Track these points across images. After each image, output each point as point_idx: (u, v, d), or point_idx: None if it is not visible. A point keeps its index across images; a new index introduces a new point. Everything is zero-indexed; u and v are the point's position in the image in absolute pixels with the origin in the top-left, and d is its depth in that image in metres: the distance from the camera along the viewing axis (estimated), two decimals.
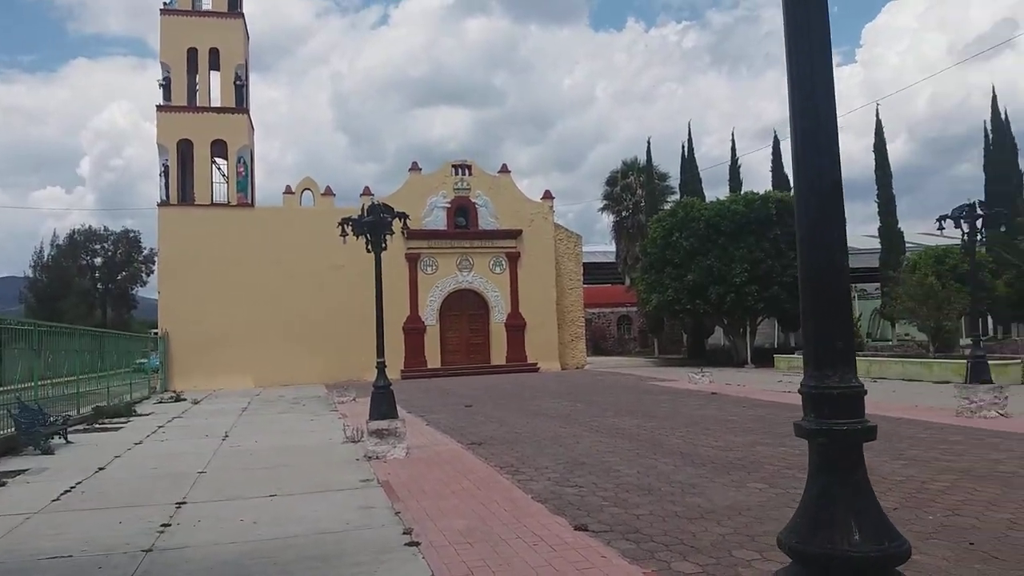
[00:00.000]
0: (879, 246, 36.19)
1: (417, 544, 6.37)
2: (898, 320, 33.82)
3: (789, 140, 3.01)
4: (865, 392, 2.83)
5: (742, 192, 34.41)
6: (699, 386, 22.61)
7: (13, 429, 13.06)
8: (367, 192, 32.56)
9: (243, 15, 33.43)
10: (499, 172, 35.08)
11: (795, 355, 29.74)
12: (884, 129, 35.07)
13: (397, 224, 14.10)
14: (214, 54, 32.48)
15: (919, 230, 50.17)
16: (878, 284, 37.52)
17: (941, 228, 15.00)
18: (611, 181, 45.15)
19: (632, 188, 43.72)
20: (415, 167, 34.28)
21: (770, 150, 38.91)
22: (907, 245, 36.80)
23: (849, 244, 2.98)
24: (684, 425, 13.75)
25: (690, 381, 23.73)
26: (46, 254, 58.31)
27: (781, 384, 22.39)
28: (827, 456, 2.76)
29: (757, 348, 34.88)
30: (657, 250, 33.21)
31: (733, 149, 40.64)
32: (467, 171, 34.37)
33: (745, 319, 33.14)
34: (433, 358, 32.98)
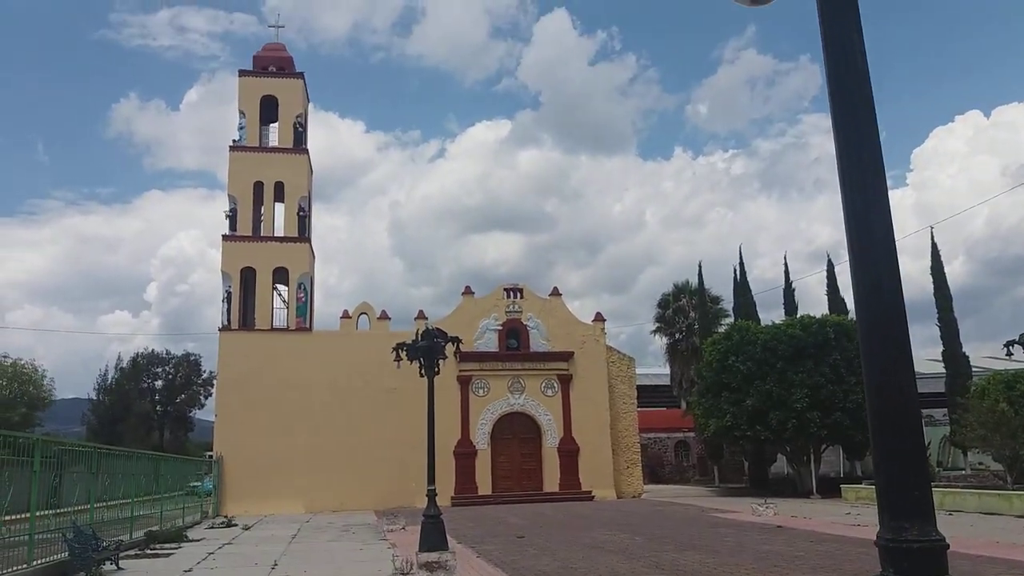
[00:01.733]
0: (943, 370, 35.03)
1: None
2: (970, 449, 32.24)
3: (848, 264, 3.00)
4: (947, 546, 2.66)
5: (798, 316, 34.01)
6: (763, 518, 21.73)
7: (67, 554, 13.06)
8: (421, 316, 32.92)
9: (307, 151, 35.30)
10: (550, 295, 35.38)
11: (863, 485, 28.41)
12: (940, 251, 34.65)
13: (450, 348, 14.26)
14: (279, 187, 34.12)
15: (985, 353, 48.53)
16: (945, 410, 36.07)
17: (1009, 353, 14.53)
18: (663, 303, 45.08)
19: (684, 311, 43.52)
20: (468, 291, 34.78)
21: (824, 273, 38.71)
22: (974, 369, 35.50)
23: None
24: (750, 562, 13.07)
25: (754, 513, 22.84)
26: (110, 377, 59.98)
27: (849, 516, 21.35)
28: None
29: (822, 477, 33.45)
30: (713, 373, 32.65)
31: (786, 272, 40.45)
32: (518, 294, 34.73)
33: (808, 446, 32.00)
34: (484, 483, 32.39)
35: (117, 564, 13.98)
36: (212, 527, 23.30)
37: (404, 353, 13.46)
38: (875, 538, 2.79)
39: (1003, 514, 21.10)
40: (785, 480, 36.98)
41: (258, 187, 33.94)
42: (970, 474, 33.43)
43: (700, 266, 42.82)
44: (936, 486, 25.81)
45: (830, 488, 31.19)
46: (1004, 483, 26.82)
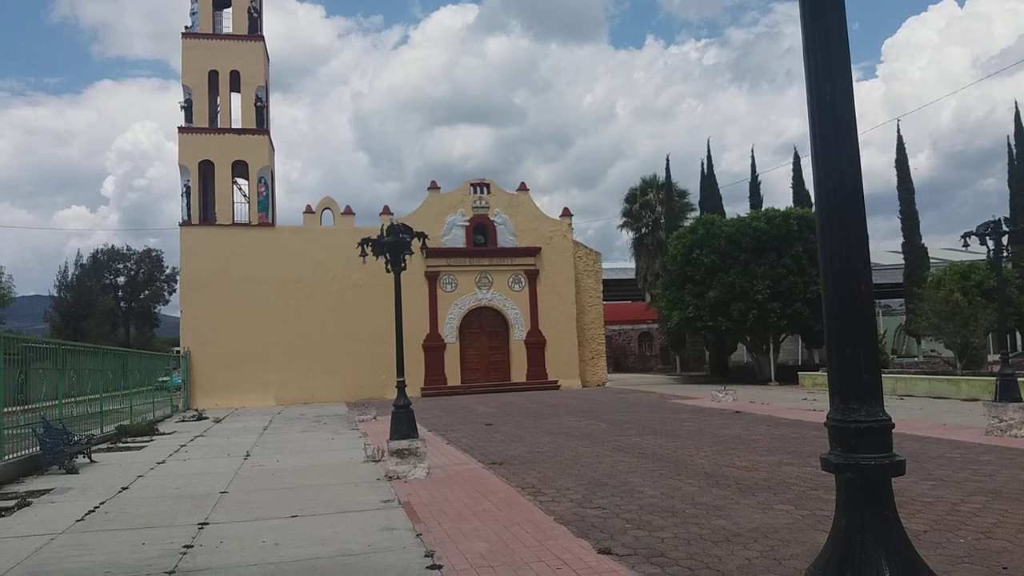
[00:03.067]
0: (903, 261, 35.88)
1: (439, 567, 6.35)
2: (924, 337, 33.42)
3: (810, 156, 3.01)
4: (893, 426, 2.80)
5: (763, 209, 34.31)
6: (723, 404, 22.39)
7: (38, 448, 13.22)
8: (386, 211, 32.77)
9: (263, 38, 33.86)
10: (518, 190, 35.23)
11: (820, 372, 29.46)
12: (906, 144, 34.98)
13: (416, 244, 14.17)
14: (235, 76, 32.91)
15: (943, 245, 49.67)
16: (903, 300, 37.16)
17: (966, 245, 14.86)
18: (630, 198, 45.14)
19: (651, 205, 43.72)
20: (434, 186, 34.51)
21: (791, 166, 38.83)
22: (931, 261, 36.44)
23: (872, 260, 2.96)
24: (708, 444, 13.64)
25: (713, 399, 23.50)
26: (70, 273, 59.10)
27: (806, 402, 22.18)
28: (855, 491, 2.74)
29: (781, 365, 34.58)
30: (678, 267, 33.15)
31: (753, 166, 40.67)
32: (486, 189, 34.57)
33: (768, 336, 32.91)
34: (453, 376, 33.05)
35: (90, 457, 14.19)
36: (183, 421, 23.61)
37: (369, 248, 13.35)
38: (826, 419, 2.93)
39: (951, 398, 22.10)
40: (745, 368, 38.24)
41: (213, 76, 32.72)
42: (922, 361, 34.79)
43: (668, 160, 42.67)
44: (889, 372, 26.86)
45: (788, 376, 32.29)
46: (954, 369, 28.01)
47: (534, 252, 34.43)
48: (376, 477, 11.27)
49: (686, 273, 32.75)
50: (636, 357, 53.38)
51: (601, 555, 6.58)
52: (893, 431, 2.77)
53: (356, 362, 31.56)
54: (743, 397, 24.63)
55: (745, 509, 8.21)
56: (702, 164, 40.87)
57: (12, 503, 10.01)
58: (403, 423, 11.66)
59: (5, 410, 12.62)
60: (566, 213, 35.71)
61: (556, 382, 33.71)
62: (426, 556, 6.71)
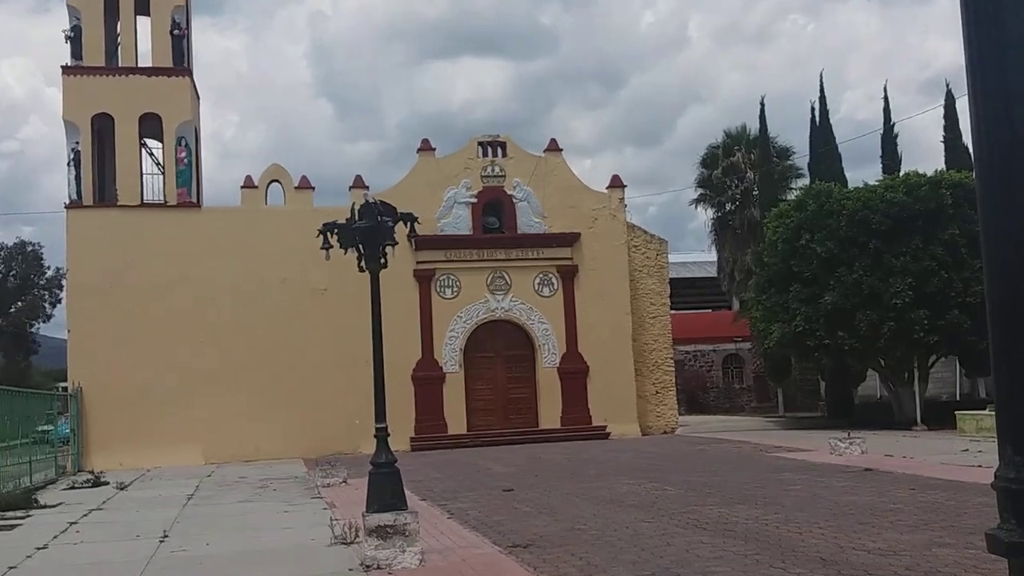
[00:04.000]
0: None
1: None
2: None
3: (968, 96, 2.99)
4: None
5: (902, 174, 34.00)
6: (846, 459, 22.30)
7: None
8: (359, 184, 32.79)
9: None
10: (546, 151, 35.19)
11: (987, 411, 29.13)
12: None
13: (402, 230, 14.18)
14: None
15: None
16: None
17: None
18: (709, 161, 44.87)
19: (740, 170, 43.69)
20: (427, 147, 34.58)
21: (941, 111, 38.50)
22: None
23: None
24: (826, 518, 13.57)
25: (832, 451, 23.41)
26: None
27: (967, 454, 21.95)
28: None
29: (930, 401, 34.21)
30: (779, 259, 32.93)
31: (887, 111, 40.17)
32: (501, 151, 34.58)
33: (911, 359, 32.60)
34: (456, 419, 33.08)
35: None
36: (73, 487, 23.69)
37: (335, 238, 13.43)
38: (993, 478, 2.90)
39: None
40: (877, 406, 37.90)
41: None
42: None
43: (763, 105, 42.19)
44: None
45: (941, 416, 31.87)
46: None
47: (571, 240, 34.38)
48: (348, 567, 11.27)
49: (791, 268, 32.46)
50: (720, 391, 53.11)
51: None
52: None
53: (319, 401, 31.49)
54: (875, 448, 24.39)
55: None
56: (812, 110, 40.48)
57: None
58: (386, 489, 11.68)
59: None
60: (616, 183, 35.64)
61: (604, 428, 33.58)
62: None
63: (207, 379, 31.18)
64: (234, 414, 31.15)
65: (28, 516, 17.99)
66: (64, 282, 37.80)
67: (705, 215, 46.75)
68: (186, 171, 32.50)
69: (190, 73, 33.45)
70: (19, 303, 63.49)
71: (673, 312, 38.24)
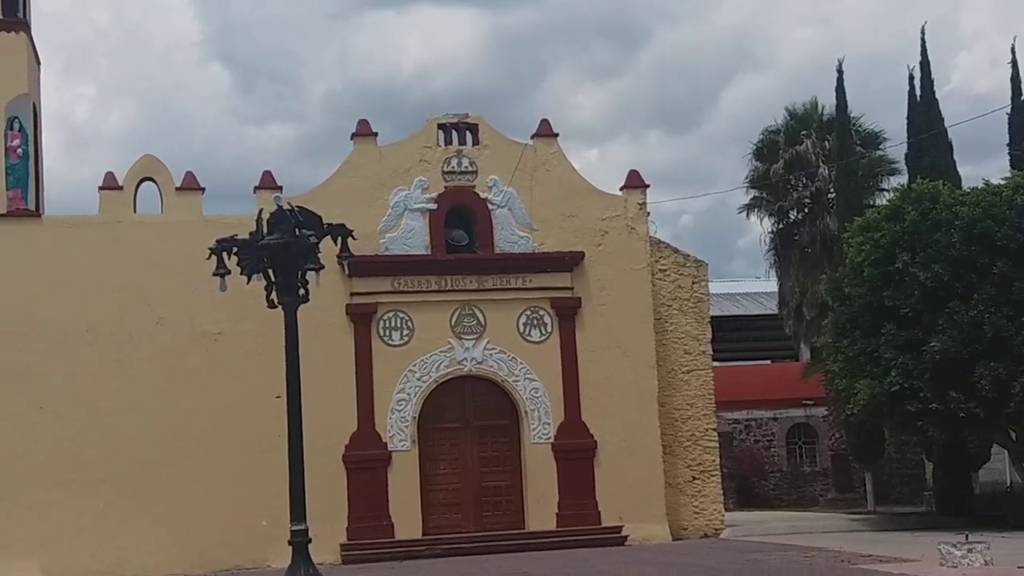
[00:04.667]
0: None
1: None
2: None
3: None
4: None
5: None
6: (962, 571, 21.96)
7: None
8: (268, 183, 32.57)
9: None
10: (536, 136, 34.95)
11: None
12: None
13: (330, 248, 13.81)
14: None
15: None
16: None
17: None
18: (766, 151, 45.07)
19: (808, 164, 43.95)
20: (365, 130, 34.20)
21: None
22: None
23: None
24: None
25: (945, 562, 22.92)
26: None
27: None
28: None
29: None
30: (865, 290, 32.62)
31: (1016, 81, 40.27)
32: (471, 136, 34.32)
33: None
34: (407, 519, 32.27)
35: None
36: None
37: (234, 260, 13.09)
38: None
39: None
40: (1009, 497, 37.68)
41: None
42: None
43: (841, 71, 42.22)
44: None
45: None
46: None
47: (571, 263, 33.91)
48: None
49: (883, 302, 32.16)
50: (783, 477, 52.90)
51: None
52: None
53: (211, 494, 30.85)
54: (1005, 556, 23.92)
55: None
56: (911, 80, 40.42)
57: None
58: None
59: None
60: (635, 182, 35.35)
61: (619, 530, 32.97)
62: None
63: (46, 465, 30.40)
64: (88, 514, 30.26)
65: None
66: None
67: (761, 227, 46.98)
68: (20, 165, 31.91)
69: (27, 28, 32.91)
70: None
71: (716, 364, 37.85)
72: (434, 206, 33.78)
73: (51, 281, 31.33)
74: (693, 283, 36.07)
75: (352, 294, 32.57)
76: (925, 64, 39.92)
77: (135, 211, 32.62)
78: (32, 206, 32.16)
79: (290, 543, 12.18)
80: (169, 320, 31.48)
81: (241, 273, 12.91)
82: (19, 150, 31.97)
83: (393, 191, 33.61)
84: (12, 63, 32.28)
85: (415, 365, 33.17)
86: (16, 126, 32.04)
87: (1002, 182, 33.03)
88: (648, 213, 35.31)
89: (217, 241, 13.27)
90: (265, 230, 12.63)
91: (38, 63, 33.78)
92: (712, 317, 37.20)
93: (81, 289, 31.41)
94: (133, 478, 30.87)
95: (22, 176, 31.99)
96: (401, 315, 33.25)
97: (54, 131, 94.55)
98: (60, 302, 31.22)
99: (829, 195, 43.00)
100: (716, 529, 35.07)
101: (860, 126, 43.37)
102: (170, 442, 31.16)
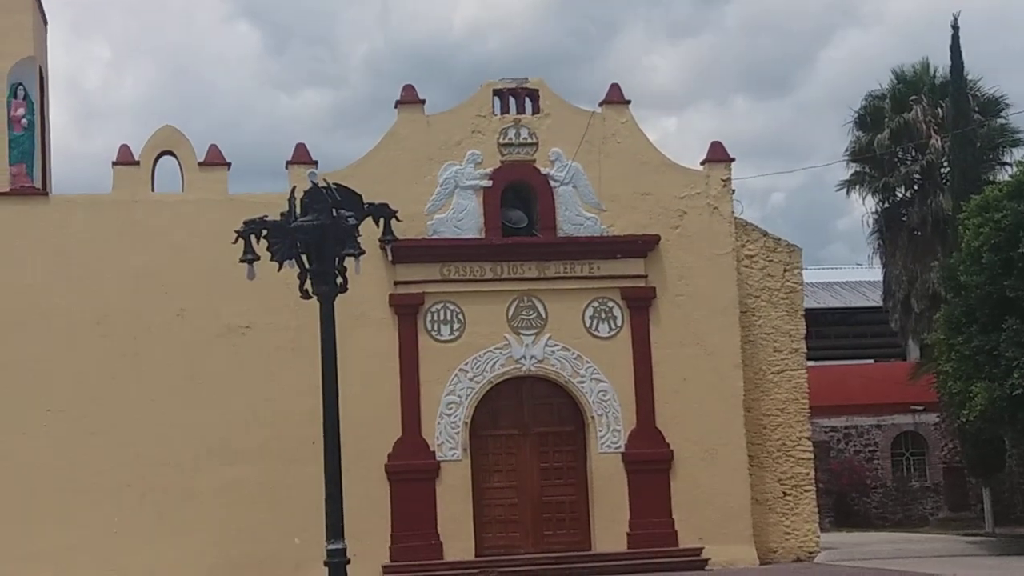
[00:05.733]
0: None
1: None
2: None
3: None
4: None
5: None
6: None
7: None
8: (302, 158, 32.85)
9: None
10: (604, 103, 34.93)
11: None
12: None
13: (372, 231, 13.86)
14: None
15: None
16: None
17: None
18: (870, 120, 44.78)
19: (919, 134, 43.63)
20: (411, 97, 34.24)
21: None
22: None
23: None
24: None
25: None
26: None
27: None
28: None
29: None
30: (984, 278, 32.51)
31: None
32: (531, 103, 34.36)
33: None
34: (457, 537, 32.43)
35: None
36: None
37: (264, 244, 13.19)
38: None
39: None
40: None
41: None
42: None
43: (956, 28, 41.95)
44: None
45: None
46: None
47: (645, 248, 33.85)
48: None
49: (1004, 293, 32.08)
50: (888, 493, 52.55)
51: None
52: None
53: (238, 508, 31.20)
54: None
55: None
56: None
57: None
58: None
59: None
60: (719, 155, 35.25)
61: (699, 552, 32.86)
62: None
63: (56, 471, 30.73)
64: (102, 531, 30.69)
65: None
66: None
67: (863, 207, 46.71)
68: (24, 138, 32.16)
69: None
70: None
71: (812, 364, 37.70)
72: (489, 183, 33.81)
73: (58, 267, 31.66)
74: (785, 271, 35.93)
75: (396, 283, 32.74)
76: None
77: (153, 189, 32.95)
78: (38, 183, 32.44)
79: (326, 564, 12.25)
80: (190, 312, 31.72)
81: (271, 259, 12.96)
82: (23, 120, 32.17)
83: (442, 166, 33.67)
84: (14, 22, 32.53)
85: (467, 364, 33.26)
86: (20, 94, 32.23)
87: None
88: (733, 191, 35.17)
89: (244, 223, 13.35)
90: (298, 210, 12.69)
91: (44, 22, 34.02)
92: (807, 310, 37.06)
93: (92, 276, 31.74)
94: (150, 488, 31.21)
95: (27, 150, 32.20)
96: (451, 307, 33.33)
97: (62, 99, 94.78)
98: (68, 291, 31.53)
99: (942, 170, 42.68)
100: (810, 552, 34.90)
101: (978, 90, 43.00)
102: (191, 449, 31.40)
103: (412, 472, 32.53)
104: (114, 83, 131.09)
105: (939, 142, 42.87)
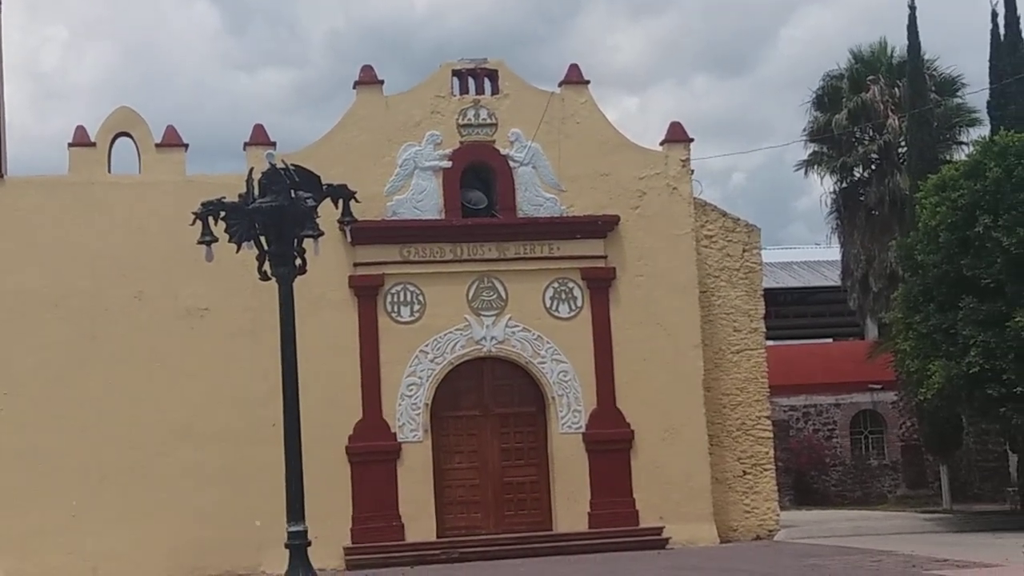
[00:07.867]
0: None
1: None
2: None
3: None
4: None
5: None
6: None
7: None
8: (260, 139, 32.74)
9: None
10: (564, 84, 35.00)
11: None
12: None
13: (330, 212, 13.84)
14: None
15: None
16: None
17: None
18: (828, 99, 44.91)
19: (876, 113, 43.91)
20: (370, 77, 34.23)
21: None
22: None
23: None
24: None
25: None
26: None
27: None
28: None
29: None
30: (941, 257, 32.69)
31: None
32: (490, 84, 34.38)
33: None
34: (419, 519, 32.52)
35: None
36: None
37: (222, 225, 13.15)
38: None
39: None
40: None
41: None
42: None
43: (913, 7, 42.01)
44: None
45: None
46: None
47: (605, 228, 34.03)
48: None
49: (961, 272, 32.22)
50: (847, 471, 52.75)
51: None
52: None
53: (197, 488, 31.11)
54: None
55: None
56: (994, 16, 40.24)
57: None
58: None
59: None
60: (678, 136, 35.37)
61: (659, 531, 33.12)
62: None
63: (12, 456, 30.60)
64: (59, 512, 30.67)
65: None
66: None
67: (822, 187, 46.81)
68: None
69: None
70: None
71: (771, 344, 37.84)
72: (448, 164, 33.85)
73: (15, 250, 31.53)
74: (744, 251, 36.10)
75: (355, 264, 32.75)
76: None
77: (110, 171, 32.80)
78: None
79: (287, 546, 12.22)
80: (149, 294, 31.65)
81: (230, 241, 12.93)
82: None
83: (402, 147, 33.69)
84: None
85: (427, 345, 33.33)
86: None
87: None
88: (692, 171, 35.38)
89: (202, 204, 13.30)
90: (256, 192, 12.65)
91: None
92: (766, 289, 37.22)
93: (49, 259, 31.62)
94: (110, 471, 31.15)
95: None
96: (411, 288, 33.34)
97: (18, 80, 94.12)
98: (25, 274, 31.42)
99: (900, 149, 42.79)
100: (770, 530, 35.25)
101: (935, 70, 43.07)
102: (151, 432, 31.32)
103: (373, 454, 32.59)
104: (70, 64, 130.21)
105: (896, 122, 42.99)
